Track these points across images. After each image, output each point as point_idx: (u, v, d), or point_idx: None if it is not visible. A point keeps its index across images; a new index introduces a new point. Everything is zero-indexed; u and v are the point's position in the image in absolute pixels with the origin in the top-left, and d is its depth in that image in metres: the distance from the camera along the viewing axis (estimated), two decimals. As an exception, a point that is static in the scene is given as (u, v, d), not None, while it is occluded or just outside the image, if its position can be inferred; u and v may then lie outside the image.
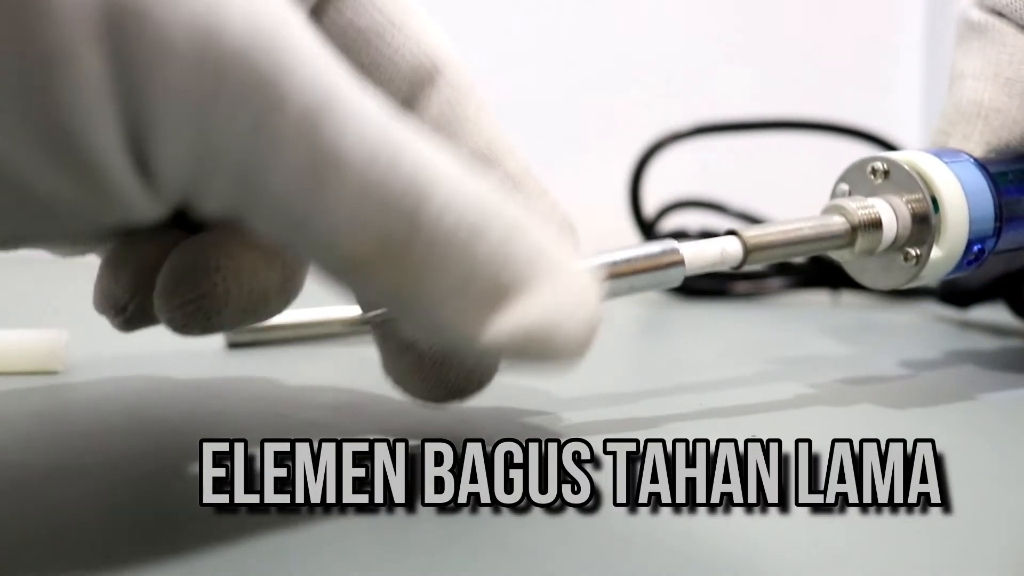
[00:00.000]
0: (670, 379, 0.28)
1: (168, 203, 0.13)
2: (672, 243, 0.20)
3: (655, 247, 0.19)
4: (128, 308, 0.18)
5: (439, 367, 0.19)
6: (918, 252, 0.22)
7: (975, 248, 0.23)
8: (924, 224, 0.22)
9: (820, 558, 0.14)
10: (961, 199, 0.22)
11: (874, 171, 0.23)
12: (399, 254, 0.13)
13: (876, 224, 0.22)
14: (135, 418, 0.21)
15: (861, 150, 0.51)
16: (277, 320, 0.32)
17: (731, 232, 0.21)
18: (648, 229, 0.51)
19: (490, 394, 0.24)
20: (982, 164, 0.23)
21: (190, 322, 0.17)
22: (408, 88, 0.19)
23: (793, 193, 0.65)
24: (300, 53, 0.12)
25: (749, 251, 0.20)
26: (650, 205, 0.52)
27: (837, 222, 0.22)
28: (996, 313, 0.40)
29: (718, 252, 0.20)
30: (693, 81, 0.73)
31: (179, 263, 0.17)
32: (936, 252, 0.22)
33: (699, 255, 0.20)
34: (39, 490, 0.16)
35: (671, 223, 0.51)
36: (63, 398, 0.23)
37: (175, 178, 0.12)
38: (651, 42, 0.74)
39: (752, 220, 0.50)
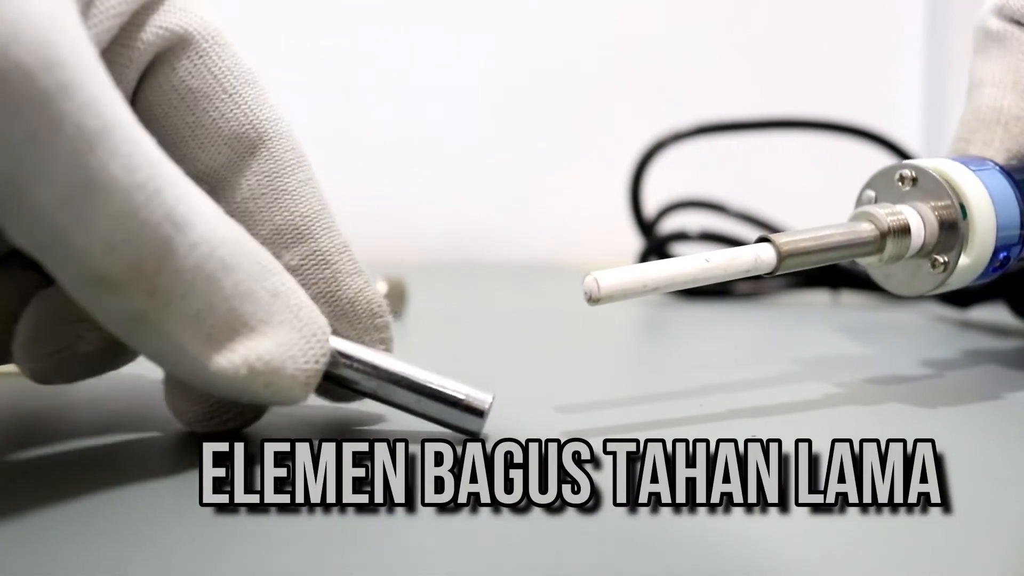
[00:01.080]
0: (675, 379, 0.28)
1: None
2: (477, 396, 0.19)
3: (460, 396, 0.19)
4: (13, 346, 0.18)
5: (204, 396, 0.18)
6: (946, 259, 0.22)
7: (1001, 255, 0.23)
8: (952, 231, 0.22)
9: (820, 558, 0.14)
10: (989, 206, 0.22)
11: (902, 178, 0.23)
12: (149, 278, 0.15)
13: (905, 231, 0.22)
14: (135, 418, 0.21)
15: (861, 149, 0.51)
16: None
17: (764, 239, 0.21)
18: (648, 229, 0.51)
19: (496, 391, 0.24)
20: (1007, 171, 0.24)
21: (54, 374, 0.18)
22: (228, 154, 0.19)
23: (793, 193, 0.66)
24: (85, 77, 0.14)
25: (783, 258, 0.21)
26: (650, 205, 0.52)
27: (866, 229, 0.22)
28: (996, 313, 0.40)
29: (752, 259, 0.20)
30: (693, 81, 0.73)
31: (41, 314, 0.18)
32: (964, 259, 0.22)
33: (733, 262, 0.20)
34: (39, 490, 0.16)
35: (671, 223, 0.51)
36: (63, 398, 0.23)
37: None
38: (651, 42, 0.74)
39: (752, 220, 0.50)
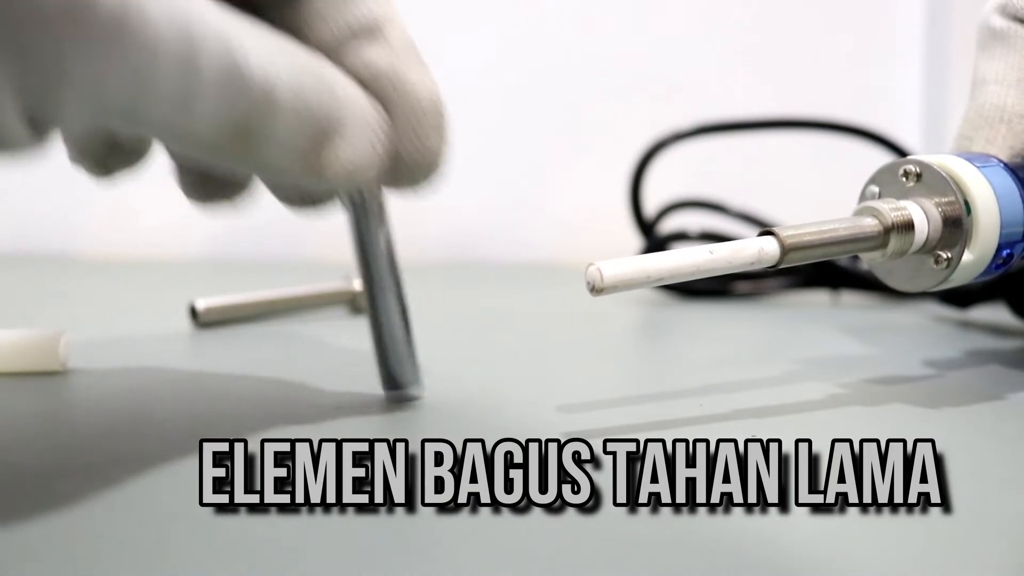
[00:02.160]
0: (675, 379, 0.28)
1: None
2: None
3: None
4: (108, 160, 0.21)
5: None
6: (949, 255, 0.22)
7: (1004, 252, 0.23)
8: (956, 227, 0.22)
9: (820, 558, 0.14)
10: (992, 203, 0.22)
11: (906, 174, 0.23)
12: (243, 133, 0.17)
13: (908, 226, 0.22)
14: (135, 418, 0.21)
15: (862, 149, 0.51)
16: (245, 299, 0.35)
17: (767, 232, 0.21)
18: (648, 229, 0.51)
19: (490, 394, 0.24)
20: (1011, 168, 0.24)
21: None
22: None
23: (793, 194, 0.66)
24: (163, 4, 0.15)
25: (786, 251, 0.20)
26: (650, 205, 0.52)
27: (870, 224, 0.22)
28: (996, 313, 0.40)
29: (755, 252, 0.20)
30: (693, 81, 0.73)
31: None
32: (968, 256, 0.22)
33: (737, 255, 0.20)
34: (39, 490, 0.16)
35: (671, 223, 0.51)
36: (63, 398, 0.23)
37: (69, 129, 0.15)
38: (651, 42, 0.74)
39: (752, 221, 0.50)
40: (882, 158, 0.50)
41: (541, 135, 0.73)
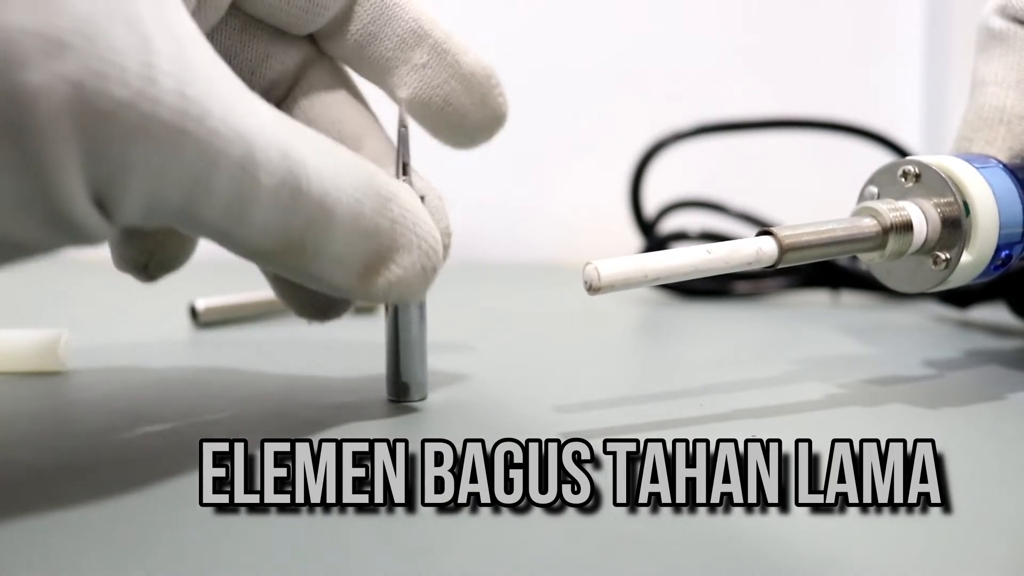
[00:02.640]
0: (675, 379, 0.28)
1: (120, 229, 0.16)
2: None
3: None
4: (149, 266, 0.22)
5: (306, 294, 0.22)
6: (948, 256, 0.22)
7: (1003, 254, 0.23)
8: (955, 228, 0.22)
9: (820, 558, 0.14)
10: (992, 204, 0.22)
11: (905, 174, 0.23)
12: (297, 246, 0.17)
13: (907, 227, 0.22)
14: (135, 418, 0.21)
15: (861, 149, 0.51)
16: (245, 299, 0.36)
17: (765, 232, 0.21)
18: (648, 229, 0.51)
19: (490, 394, 0.24)
20: (1011, 169, 0.24)
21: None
22: (342, 4, 0.22)
23: (793, 193, 0.66)
24: (226, 114, 0.15)
25: (784, 251, 0.20)
26: (650, 205, 0.52)
27: (869, 224, 0.22)
28: (996, 313, 0.40)
29: (753, 252, 0.20)
30: (693, 82, 0.73)
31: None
32: (966, 256, 0.22)
33: (734, 254, 0.20)
34: (39, 490, 0.16)
35: (671, 223, 0.51)
36: (63, 398, 0.23)
37: (130, 219, 0.15)
38: (651, 43, 0.74)
39: (752, 221, 0.50)
40: (882, 158, 0.50)
41: (541, 135, 0.73)
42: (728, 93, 0.72)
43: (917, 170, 0.23)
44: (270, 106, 0.17)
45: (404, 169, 0.22)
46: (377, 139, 0.23)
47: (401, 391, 0.23)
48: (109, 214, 0.15)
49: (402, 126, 0.22)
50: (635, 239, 0.52)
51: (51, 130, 0.13)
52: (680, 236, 0.48)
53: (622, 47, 0.73)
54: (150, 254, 0.22)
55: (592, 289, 0.19)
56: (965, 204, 0.22)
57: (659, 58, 0.74)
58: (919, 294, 0.43)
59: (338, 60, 0.24)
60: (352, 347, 0.30)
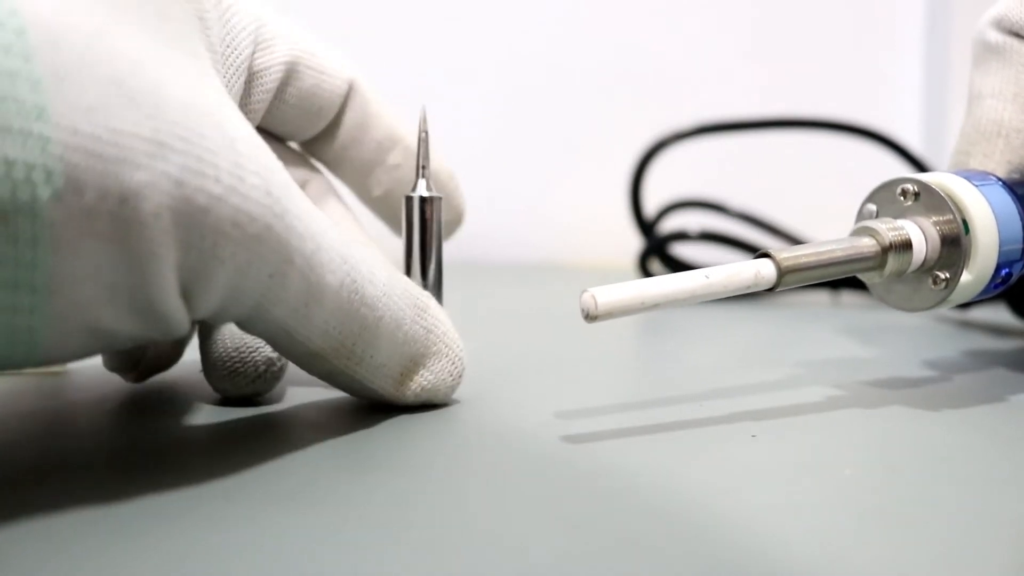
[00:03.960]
0: (675, 380, 0.28)
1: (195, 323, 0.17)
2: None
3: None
4: (140, 363, 0.23)
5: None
6: (947, 276, 0.22)
7: (1003, 272, 0.23)
8: (954, 247, 0.22)
9: (820, 558, 0.14)
10: (991, 222, 0.22)
11: (904, 192, 0.23)
12: (350, 348, 0.19)
13: (906, 246, 0.22)
14: (135, 418, 0.21)
15: (863, 149, 0.51)
16: None
17: (764, 255, 0.21)
18: (648, 229, 0.51)
19: (489, 394, 0.24)
20: (1009, 185, 0.23)
21: (257, 393, 0.22)
22: (339, 104, 0.25)
23: (794, 193, 0.66)
24: (300, 213, 0.17)
25: (783, 273, 0.20)
26: (651, 205, 0.52)
27: (868, 244, 0.22)
28: (996, 313, 0.40)
29: (752, 275, 0.20)
30: (693, 82, 0.73)
31: (228, 348, 0.22)
32: (966, 276, 0.22)
33: (733, 279, 0.20)
34: (39, 490, 0.16)
35: (671, 223, 0.51)
36: (63, 398, 0.23)
37: (207, 311, 0.16)
38: (652, 43, 0.74)
39: (752, 221, 0.50)
40: (883, 158, 0.50)
41: (541, 136, 0.73)
42: (728, 93, 0.72)
43: (915, 188, 0.23)
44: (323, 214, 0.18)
45: (422, 171, 0.24)
46: (367, 246, 0.23)
47: None
48: (191, 307, 0.16)
49: (422, 131, 0.24)
50: (635, 239, 0.52)
51: (153, 225, 0.14)
52: (680, 236, 0.48)
53: (623, 48, 0.73)
54: (142, 354, 0.22)
55: (589, 317, 0.19)
56: (964, 223, 0.22)
57: (659, 59, 0.74)
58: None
59: (321, 163, 0.26)
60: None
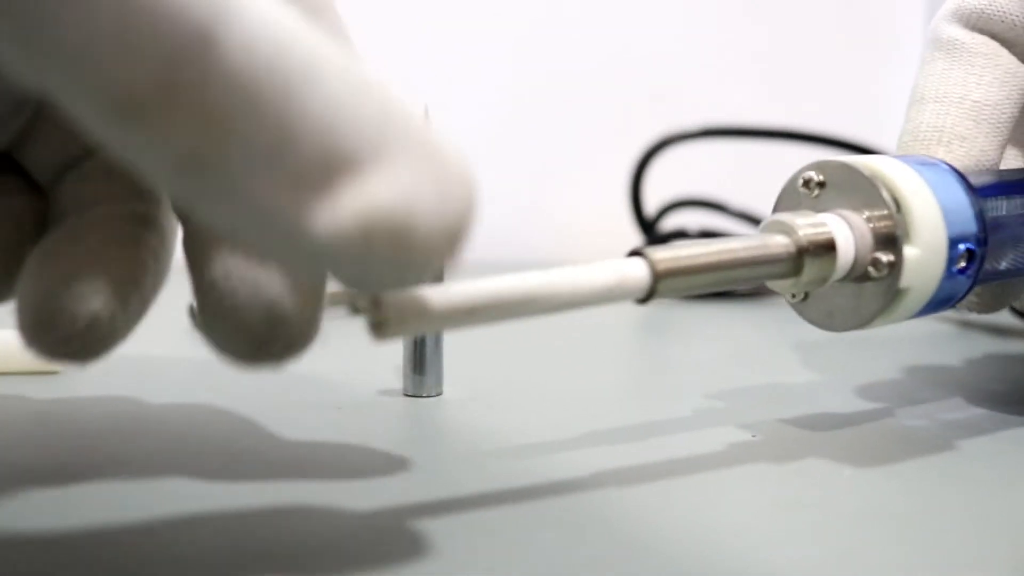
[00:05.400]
0: (677, 381, 0.28)
1: None
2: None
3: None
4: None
5: (239, 309, 0.14)
6: (890, 257, 0.18)
7: (961, 247, 0.19)
8: (887, 237, 0.18)
9: (820, 558, 0.14)
10: (924, 188, 0.19)
11: (807, 183, 0.19)
12: (190, 95, 0.10)
13: (828, 245, 0.18)
14: (134, 418, 0.21)
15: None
16: None
17: (636, 253, 0.16)
18: (648, 228, 0.51)
19: (489, 394, 0.24)
20: (954, 169, 0.20)
21: (75, 359, 0.14)
22: None
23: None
24: None
25: (660, 277, 0.16)
26: (651, 205, 0.52)
27: (778, 243, 0.18)
28: (997, 313, 0.40)
29: (614, 279, 0.15)
30: (692, 85, 0.73)
31: (43, 286, 0.14)
32: (911, 250, 0.18)
33: (585, 282, 0.15)
34: (39, 489, 0.16)
35: (671, 222, 0.51)
36: (63, 398, 0.23)
37: None
38: (652, 44, 0.74)
39: (753, 220, 0.50)
40: None
41: (541, 136, 0.73)
42: (728, 94, 0.72)
43: (820, 177, 0.19)
44: None
45: None
46: None
47: (418, 386, 0.23)
48: None
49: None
50: (635, 239, 0.52)
51: None
52: (679, 235, 0.48)
53: (622, 49, 0.73)
54: None
55: (378, 331, 0.13)
56: (896, 202, 0.18)
57: (659, 60, 0.74)
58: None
59: None
60: (351, 348, 0.30)
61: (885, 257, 0.18)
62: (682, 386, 0.26)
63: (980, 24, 0.23)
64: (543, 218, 0.72)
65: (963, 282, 0.19)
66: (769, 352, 0.33)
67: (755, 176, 0.67)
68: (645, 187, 0.52)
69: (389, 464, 0.18)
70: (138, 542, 0.14)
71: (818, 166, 0.19)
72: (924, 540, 0.15)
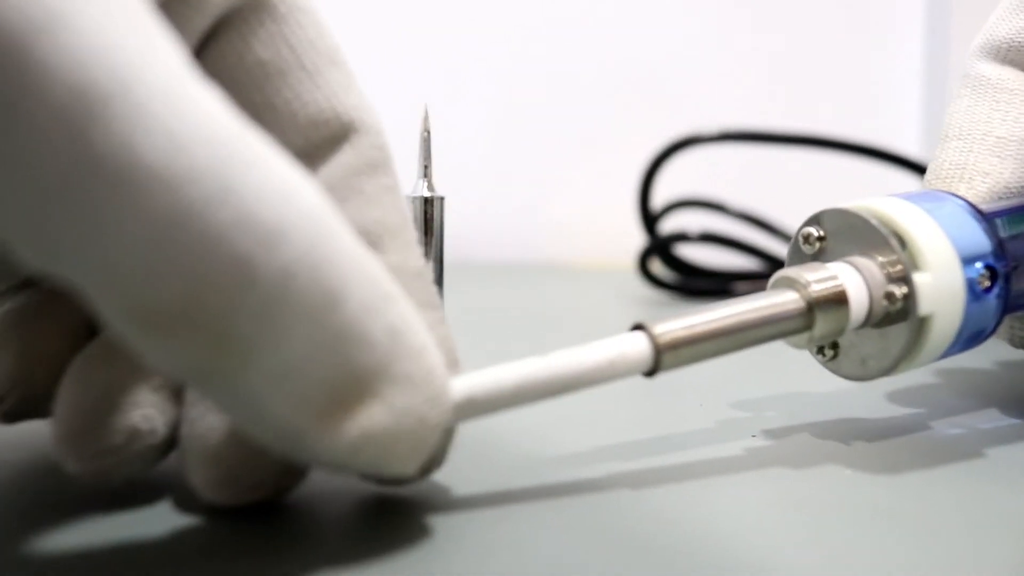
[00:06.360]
0: (678, 382, 0.28)
1: None
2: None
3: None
4: (6, 400, 0.16)
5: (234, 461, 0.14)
6: (904, 290, 0.18)
7: (978, 266, 0.18)
8: (893, 259, 0.18)
9: (820, 558, 0.14)
10: (929, 223, 0.18)
11: (807, 239, 0.19)
12: (215, 318, 0.10)
13: (839, 297, 0.17)
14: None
15: (885, 171, 0.49)
16: None
17: (638, 327, 0.16)
18: (651, 227, 0.51)
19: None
20: (953, 195, 0.20)
21: (111, 474, 0.14)
22: (301, 144, 0.15)
23: (796, 193, 0.65)
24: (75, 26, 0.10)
25: (661, 351, 0.16)
26: (654, 205, 0.52)
27: (788, 299, 0.17)
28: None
29: (612, 356, 0.15)
30: (694, 86, 0.73)
31: (88, 392, 0.14)
32: (922, 276, 0.18)
33: (581, 365, 0.15)
34: (39, 489, 0.16)
35: (673, 222, 0.51)
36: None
37: None
38: (651, 45, 0.74)
39: (752, 220, 0.50)
40: (909, 183, 0.49)
41: (541, 137, 0.73)
42: (727, 96, 0.72)
43: (820, 231, 0.19)
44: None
45: (424, 171, 0.22)
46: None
47: None
48: None
49: (425, 131, 0.22)
50: (635, 239, 0.52)
51: None
52: (679, 237, 0.48)
53: (622, 50, 0.73)
54: (14, 382, 0.16)
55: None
56: (899, 237, 0.18)
57: (660, 61, 0.74)
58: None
59: None
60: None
61: (899, 290, 0.18)
62: (695, 389, 0.26)
63: (1010, 56, 0.22)
64: (543, 219, 0.72)
65: (993, 304, 0.19)
66: (772, 351, 0.33)
67: (766, 181, 0.67)
68: (656, 186, 0.51)
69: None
70: (137, 542, 0.14)
71: (815, 219, 0.19)
72: (938, 544, 0.15)
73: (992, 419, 0.22)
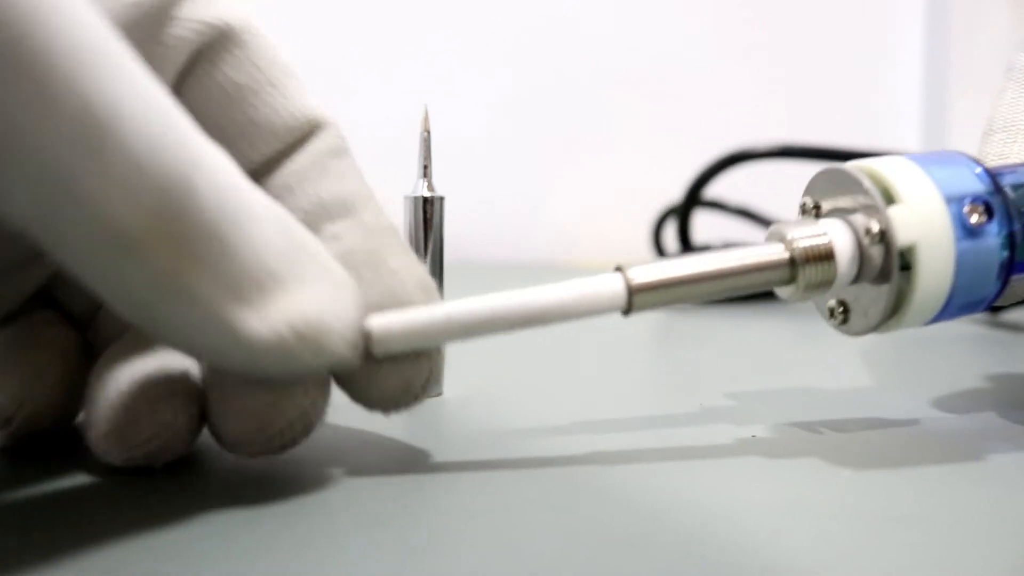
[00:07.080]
0: (677, 384, 0.28)
1: None
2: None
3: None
4: (13, 421, 0.17)
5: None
6: (879, 227, 0.17)
7: (967, 201, 0.18)
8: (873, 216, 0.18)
9: (821, 558, 0.14)
10: (908, 163, 0.18)
11: (803, 208, 0.19)
12: (173, 229, 0.13)
13: (825, 253, 0.18)
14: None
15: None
16: None
17: (617, 269, 0.17)
18: (686, 243, 0.50)
19: (489, 396, 0.24)
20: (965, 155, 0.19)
21: (157, 459, 0.16)
22: (277, 146, 0.18)
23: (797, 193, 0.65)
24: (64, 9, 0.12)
25: (634, 292, 0.17)
26: (651, 208, 0.52)
27: (772, 251, 0.18)
28: (1019, 314, 0.40)
29: (585, 292, 0.16)
30: (692, 84, 0.73)
31: (115, 395, 0.16)
32: (896, 208, 0.17)
33: (560, 298, 0.16)
34: (39, 489, 0.16)
35: (670, 228, 0.51)
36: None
37: None
38: (651, 46, 0.74)
39: (752, 218, 0.50)
40: None
41: (541, 137, 0.73)
42: (727, 96, 0.72)
43: (811, 200, 0.19)
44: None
45: (424, 171, 0.23)
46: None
47: None
48: None
49: (425, 131, 0.23)
50: (634, 239, 0.52)
51: None
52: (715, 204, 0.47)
53: (622, 49, 0.73)
54: (20, 401, 0.17)
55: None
56: (877, 183, 0.18)
57: (659, 61, 0.74)
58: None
59: None
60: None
61: (875, 227, 0.17)
62: (696, 388, 0.26)
63: None
64: (543, 219, 0.72)
65: (994, 244, 0.18)
66: (782, 359, 0.33)
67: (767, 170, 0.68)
68: (656, 193, 0.51)
69: (388, 464, 0.18)
70: (137, 542, 0.14)
71: (807, 188, 0.19)
72: (938, 545, 0.15)
73: (992, 420, 0.22)
